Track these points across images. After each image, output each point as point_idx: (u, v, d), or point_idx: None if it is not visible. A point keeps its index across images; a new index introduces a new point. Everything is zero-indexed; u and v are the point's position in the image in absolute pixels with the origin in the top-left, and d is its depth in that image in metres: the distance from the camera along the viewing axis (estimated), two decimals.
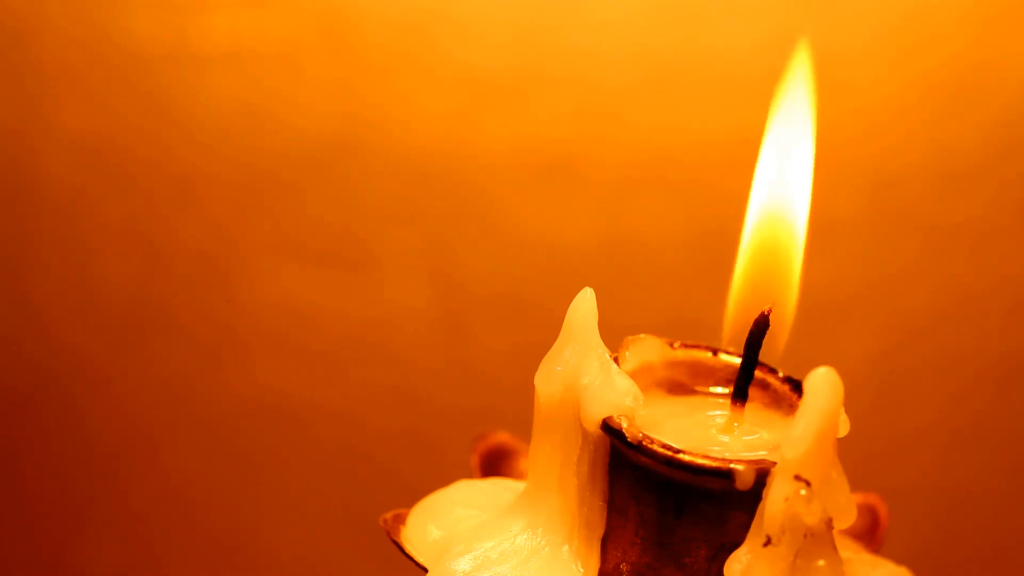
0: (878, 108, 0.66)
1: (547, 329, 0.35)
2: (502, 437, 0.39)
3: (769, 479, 0.31)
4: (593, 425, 0.33)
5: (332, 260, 0.69)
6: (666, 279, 0.68)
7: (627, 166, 0.67)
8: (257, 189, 0.68)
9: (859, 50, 0.66)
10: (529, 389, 0.34)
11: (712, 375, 0.36)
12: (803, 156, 0.37)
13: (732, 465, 0.32)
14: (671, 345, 0.36)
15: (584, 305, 0.34)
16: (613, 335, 0.34)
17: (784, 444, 0.31)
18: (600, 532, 0.33)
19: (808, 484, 0.31)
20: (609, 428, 0.33)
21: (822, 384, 0.31)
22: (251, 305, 0.69)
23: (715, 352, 0.36)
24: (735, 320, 0.36)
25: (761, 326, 0.34)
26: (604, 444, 0.33)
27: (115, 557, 0.72)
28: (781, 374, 0.35)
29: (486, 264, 0.68)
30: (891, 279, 0.68)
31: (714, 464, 0.32)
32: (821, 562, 0.32)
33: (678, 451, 0.32)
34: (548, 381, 0.33)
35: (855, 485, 0.33)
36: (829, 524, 0.32)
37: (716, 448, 0.33)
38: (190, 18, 0.67)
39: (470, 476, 0.38)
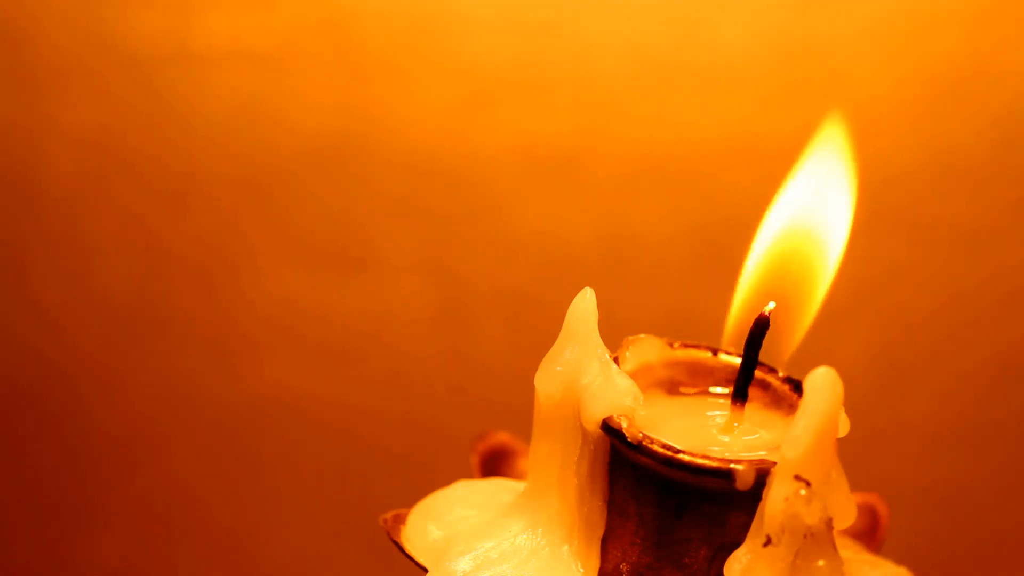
0: (874, 106, 0.66)
1: (548, 326, 0.35)
2: (502, 437, 0.39)
3: (769, 479, 0.31)
4: (593, 425, 0.33)
5: (334, 257, 0.69)
6: (666, 277, 0.68)
7: (628, 163, 0.67)
8: (259, 186, 0.69)
9: (856, 49, 0.66)
10: (529, 387, 0.34)
11: (712, 375, 0.35)
12: (843, 195, 0.37)
13: (732, 465, 0.32)
14: (671, 345, 0.35)
15: (584, 305, 0.34)
16: (613, 335, 0.34)
17: (784, 444, 0.31)
18: (600, 532, 0.33)
19: (808, 484, 0.31)
20: (609, 428, 0.33)
21: (822, 384, 0.31)
22: (254, 302, 0.69)
23: (715, 352, 0.36)
24: (740, 324, 0.36)
25: (761, 326, 0.34)
26: (604, 444, 0.33)
27: (120, 553, 0.72)
28: (781, 374, 0.35)
29: (487, 261, 0.68)
30: (888, 277, 0.68)
31: (714, 464, 0.32)
32: (821, 562, 0.32)
33: (678, 451, 0.32)
34: (548, 381, 0.33)
35: (855, 485, 0.33)
36: (829, 524, 0.32)
37: (716, 448, 0.33)
38: (191, 16, 0.67)
39: (470, 476, 0.38)
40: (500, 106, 0.67)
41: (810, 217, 0.37)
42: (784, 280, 0.37)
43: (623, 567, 0.33)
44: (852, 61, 0.66)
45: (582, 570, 0.33)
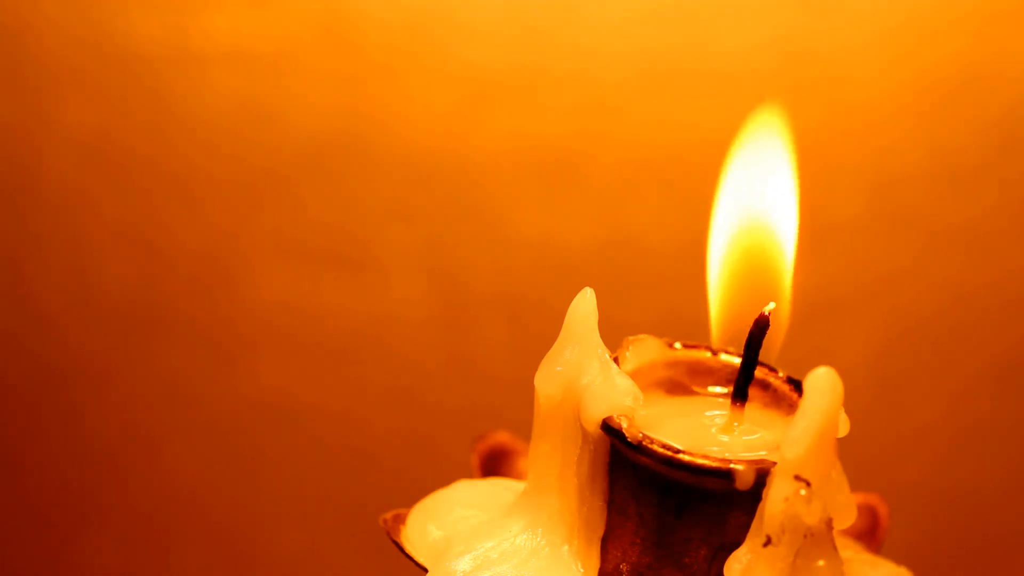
0: (876, 108, 0.66)
1: (547, 328, 0.35)
2: (502, 437, 0.39)
3: (769, 479, 0.31)
4: (593, 425, 0.33)
5: (332, 259, 0.69)
6: (666, 279, 0.68)
7: (627, 165, 0.67)
8: (258, 188, 0.68)
9: (857, 50, 0.66)
10: (529, 388, 0.34)
11: (712, 375, 0.36)
12: (785, 172, 0.37)
13: (732, 465, 0.32)
14: (671, 345, 0.36)
15: (584, 305, 0.34)
16: (613, 335, 0.34)
17: (784, 444, 0.31)
18: (600, 532, 0.33)
19: (808, 484, 0.31)
20: (609, 428, 0.33)
21: (822, 384, 0.31)
22: (252, 304, 0.69)
23: (715, 352, 0.36)
24: (725, 326, 0.36)
25: (761, 326, 0.34)
26: (604, 444, 0.33)
27: (116, 556, 0.72)
28: (781, 374, 0.35)
29: (486, 263, 0.68)
30: (889, 279, 0.68)
31: (714, 464, 0.32)
32: (821, 562, 0.32)
33: (678, 451, 0.32)
34: (548, 381, 0.33)
35: (855, 485, 0.33)
36: (829, 524, 0.32)
37: (716, 448, 0.33)
38: (191, 17, 0.67)
39: (470, 476, 0.38)
40: (499, 109, 0.67)
41: (760, 210, 0.37)
42: (750, 277, 0.37)
43: (623, 567, 0.33)
44: (854, 64, 0.66)
45: (582, 570, 0.33)
